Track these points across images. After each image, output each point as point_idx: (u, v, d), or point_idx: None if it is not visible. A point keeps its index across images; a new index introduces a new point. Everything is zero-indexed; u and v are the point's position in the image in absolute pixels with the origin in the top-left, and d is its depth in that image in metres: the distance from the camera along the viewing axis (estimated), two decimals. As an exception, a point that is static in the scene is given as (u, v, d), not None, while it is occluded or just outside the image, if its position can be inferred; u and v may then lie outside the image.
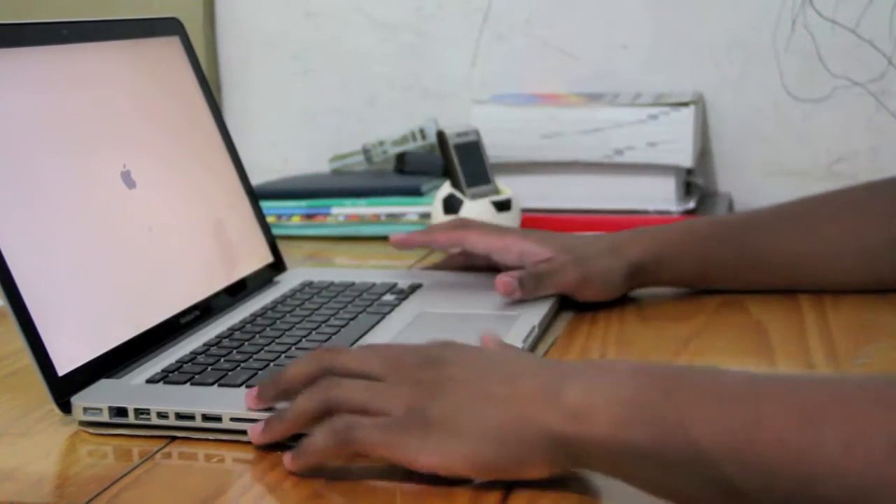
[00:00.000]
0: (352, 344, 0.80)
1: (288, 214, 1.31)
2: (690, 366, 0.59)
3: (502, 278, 0.88)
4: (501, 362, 0.63)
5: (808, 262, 0.93)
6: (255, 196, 1.01)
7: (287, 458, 0.63)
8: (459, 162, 1.15)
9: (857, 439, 0.49)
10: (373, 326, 0.85)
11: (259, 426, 0.65)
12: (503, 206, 1.14)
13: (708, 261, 0.94)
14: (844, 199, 0.96)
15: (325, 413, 0.63)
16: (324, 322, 0.85)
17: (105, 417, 0.69)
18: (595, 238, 0.95)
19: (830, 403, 0.51)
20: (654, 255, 0.92)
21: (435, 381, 0.62)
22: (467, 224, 0.98)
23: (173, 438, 0.68)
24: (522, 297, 0.89)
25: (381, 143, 1.42)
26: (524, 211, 1.19)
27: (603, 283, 0.91)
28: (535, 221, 1.22)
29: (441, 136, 1.15)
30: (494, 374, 0.62)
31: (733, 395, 0.54)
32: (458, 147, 1.15)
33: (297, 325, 0.84)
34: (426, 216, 1.24)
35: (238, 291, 0.93)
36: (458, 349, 0.65)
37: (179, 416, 0.68)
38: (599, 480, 0.61)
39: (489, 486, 0.60)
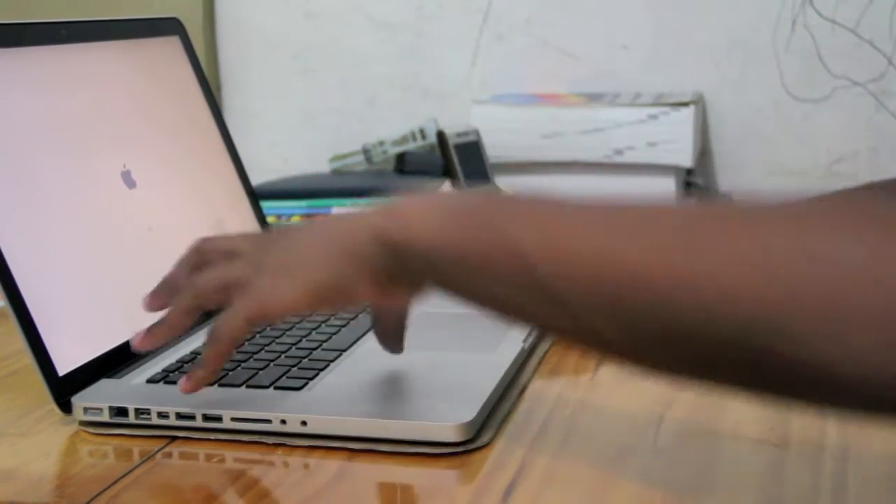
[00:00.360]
0: (353, 343, 0.80)
1: (288, 214, 1.31)
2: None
3: None
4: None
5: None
6: (255, 196, 1.01)
7: (182, 382, 0.67)
8: (459, 162, 1.15)
9: (658, 247, 0.50)
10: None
11: (141, 332, 0.69)
12: (503, 206, 1.14)
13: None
14: (846, 198, 0.96)
15: (197, 306, 0.67)
16: (324, 322, 0.85)
17: (105, 417, 0.69)
18: None
19: (651, 216, 0.52)
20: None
21: (279, 239, 0.66)
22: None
23: (174, 438, 0.68)
24: None
25: (381, 143, 1.42)
26: (524, 211, 1.19)
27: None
28: (536, 221, 1.22)
29: (441, 136, 1.15)
30: (335, 216, 0.65)
31: (560, 205, 0.55)
32: (458, 147, 1.15)
33: (297, 325, 0.84)
34: (426, 216, 1.24)
35: (238, 291, 0.93)
36: (317, 221, 0.68)
37: (180, 415, 0.68)
38: (601, 480, 0.61)
39: (489, 485, 0.60)
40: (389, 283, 0.61)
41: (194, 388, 0.67)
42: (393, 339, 0.72)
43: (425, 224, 0.57)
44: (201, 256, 0.68)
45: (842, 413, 0.51)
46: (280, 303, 0.63)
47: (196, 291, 0.67)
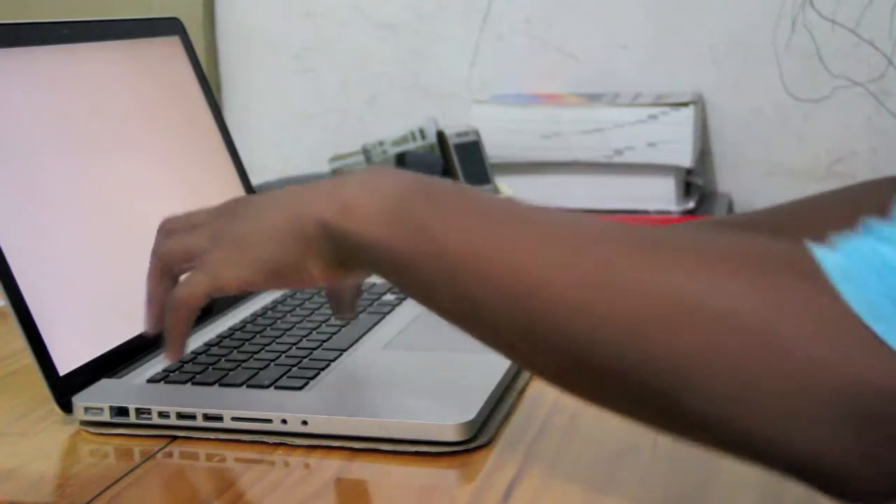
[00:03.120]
0: (353, 343, 0.80)
1: (288, 214, 1.31)
2: (465, 185, 0.62)
3: None
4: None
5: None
6: (256, 196, 1.01)
7: (163, 357, 0.70)
8: (459, 162, 1.15)
9: (573, 262, 0.50)
10: (373, 326, 0.85)
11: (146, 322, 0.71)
12: (503, 205, 1.14)
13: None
14: (846, 196, 0.96)
15: (162, 268, 0.69)
16: (324, 322, 0.85)
17: (106, 417, 0.69)
18: None
19: (569, 231, 0.53)
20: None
21: (238, 208, 0.67)
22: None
23: (174, 438, 0.68)
24: None
25: (381, 143, 1.42)
26: (524, 211, 1.19)
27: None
28: (536, 221, 1.22)
29: (441, 136, 1.15)
30: (290, 189, 0.65)
31: (490, 211, 0.55)
32: (458, 147, 1.15)
33: (298, 325, 0.84)
34: (426, 216, 1.24)
35: (238, 291, 0.93)
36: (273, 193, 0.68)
37: (180, 415, 0.68)
38: (601, 480, 0.61)
39: (489, 485, 0.60)
40: (337, 265, 0.62)
41: (151, 322, 0.70)
42: (347, 307, 0.73)
43: (361, 214, 0.58)
44: (166, 233, 0.70)
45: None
46: (234, 278, 0.65)
47: (159, 254, 0.69)
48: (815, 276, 0.46)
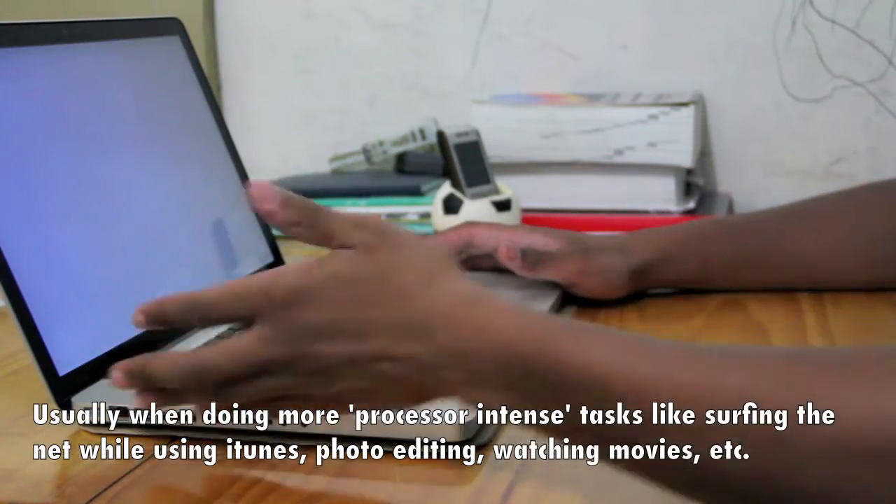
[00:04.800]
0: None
1: (288, 214, 1.31)
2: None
3: (506, 243, 0.90)
4: None
5: (810, 261, 0.94)
6: (256, 196, 1.01)
7: (143, 399, 0.60)
8: (459, 162, 1.15)
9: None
10: (373, 326, 0.84)
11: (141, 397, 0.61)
12: (503, 206, 1.14)
13: (712, 261, 0.94)
14: (847, 199, 0.96)
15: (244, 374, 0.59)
16: (324, 322, 0.85)
17: (106, 417, 0.69)
18: (605, 237, 0.96)
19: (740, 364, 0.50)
20: (660, 256, 0.93)
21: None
22: (474, 222, 0.99)
23: (174, 438, 0.68)
24: (522, 271, 0.90)
25: (381, 143, 1.42)
26: (524, 211, 1.19)
27: (605, 278, 0.91)
28: (536, 221, 1.22)
29: (441, 136, 1.15)
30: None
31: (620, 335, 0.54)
32: (458, 147, 1.15)
33: (298, 325, 0.84)
34: (426, 216, 1.24)
35: (238, 291, 0.93)
36: None
37: (180, 415, 0.68)
38: (601, 480, 0.61)
39: (489, 485, 0.60)
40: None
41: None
42: None
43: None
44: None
45: None
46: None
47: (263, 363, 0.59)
48: None
